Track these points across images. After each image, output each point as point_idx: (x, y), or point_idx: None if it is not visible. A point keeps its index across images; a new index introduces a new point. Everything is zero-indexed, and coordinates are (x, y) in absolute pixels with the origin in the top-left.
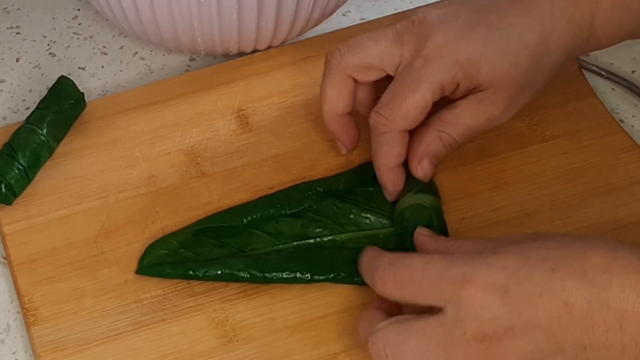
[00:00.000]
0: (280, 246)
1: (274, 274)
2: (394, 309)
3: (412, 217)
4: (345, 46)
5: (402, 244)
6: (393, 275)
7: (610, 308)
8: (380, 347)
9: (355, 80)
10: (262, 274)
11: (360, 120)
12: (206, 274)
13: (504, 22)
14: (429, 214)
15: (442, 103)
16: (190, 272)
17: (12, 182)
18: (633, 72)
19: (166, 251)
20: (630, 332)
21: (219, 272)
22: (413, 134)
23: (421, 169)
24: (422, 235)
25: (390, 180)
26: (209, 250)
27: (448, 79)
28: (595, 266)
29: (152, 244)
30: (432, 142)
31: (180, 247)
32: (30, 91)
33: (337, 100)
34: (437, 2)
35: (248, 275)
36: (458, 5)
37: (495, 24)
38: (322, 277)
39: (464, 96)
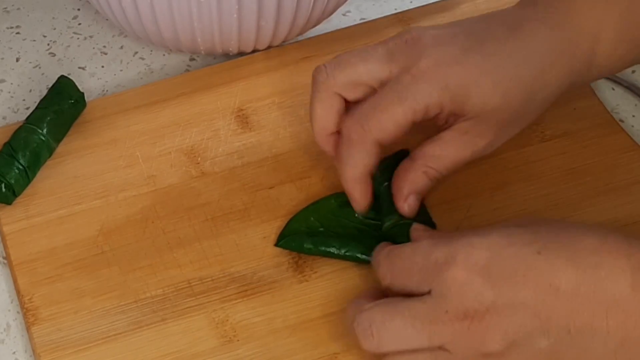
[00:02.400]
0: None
1: None
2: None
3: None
4: (332, 64)
5: None
6: (389, 266)
7: (597, 292)
8: (366, 326)
9: (343, 99)
10: None
11: None
12: (347, 253)
13: (501, 52)
14: None
15: (423, 129)
16: (332, 249)
17: (12, 182)
18: (633, 72)
19: (305, 228)
20: (617, 317)
21: (359, 255)
22: (397, 170)
23: (408, 206)
24: (416, 229)
25: (360, 191)
26: (348, 224)
27: (434, 101)
28: (584, 249)
29: (293, 217)
30: (417, 178)
31: (320, 226)
32: (30, 91)
33: (326, 119)
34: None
35: None
36: (455, 27)
37: (492, 53)
38: None
39: (446, 123)
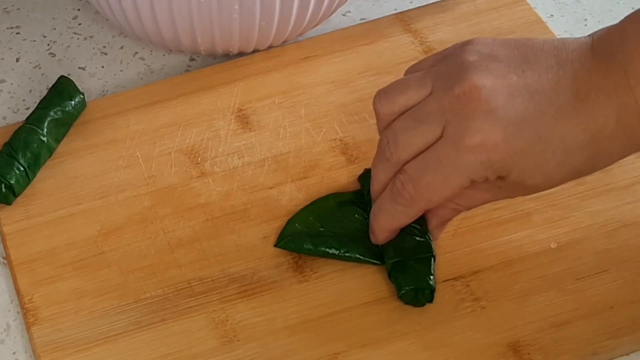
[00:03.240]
0: None
1: None
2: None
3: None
4: (392, 141)
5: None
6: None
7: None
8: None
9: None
10: None
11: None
12: (346, 253)
13: (556, 132)
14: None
15: None
16: (332, 250)
17: (12, 182)
18: None
19: (305, 228)
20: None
21: (359, 256)
22: None
23: (432, 235)
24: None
25: (384, 238)
26: (348, 224)
27: (478, 175)
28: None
29: (292, 218)
30: (447, 213)
31: (320, 226)
32: (30, 91)
33: (385, 184)
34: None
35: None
36: (519, 76)
37: (544, 132)
38: None
39: None
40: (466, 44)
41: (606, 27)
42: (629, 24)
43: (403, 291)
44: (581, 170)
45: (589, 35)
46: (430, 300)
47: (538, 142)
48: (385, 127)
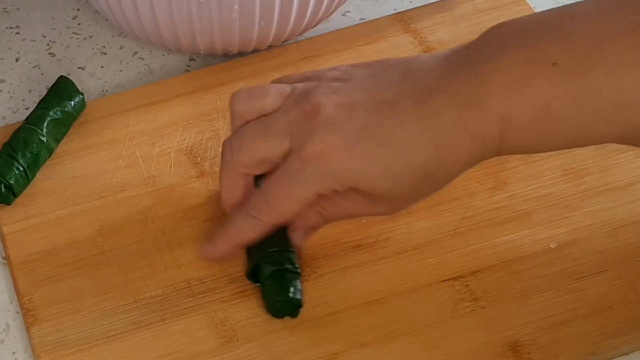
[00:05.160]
0: None
1: None
2: None
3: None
4: (236, 143)
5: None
6: None
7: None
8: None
9: (250, 175)
10: None
11: None
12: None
13: (396, 134)
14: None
15: None
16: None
17: (12, 182)
18: None
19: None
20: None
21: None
22: None
23: (295, 239)
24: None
25: (226, 252)
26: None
27: (324, 187)
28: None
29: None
30: (311, 216)
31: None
32: (30, 91)
33: (233, 192)
34: (343, 83)
35: None
36: (362, 92)
37: (385, 137)
38: None
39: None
40: (330, 69)
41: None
42: (490, 31)
43: (268, 303)
44: (428, 169)
45: (450, 49)
46: (294, 314)
47: (377, 146)
48: (239, 127)
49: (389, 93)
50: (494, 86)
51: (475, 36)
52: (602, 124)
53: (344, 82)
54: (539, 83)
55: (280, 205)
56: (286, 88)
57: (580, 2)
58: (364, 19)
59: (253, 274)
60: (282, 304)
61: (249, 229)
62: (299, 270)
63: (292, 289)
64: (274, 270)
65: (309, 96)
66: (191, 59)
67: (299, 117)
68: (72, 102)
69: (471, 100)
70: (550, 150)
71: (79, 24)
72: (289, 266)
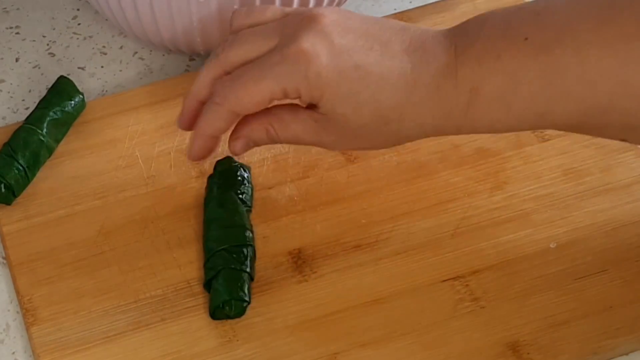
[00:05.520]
0: None
1: None
2: None
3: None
4: (229, 39)
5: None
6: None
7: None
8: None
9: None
10: None
11: None
12: None
13: (376, 68)
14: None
15: None
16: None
17: (12, 182)
18: None
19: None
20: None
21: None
22: (246, 115)
23: (234, 146)
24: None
25: (201, 145)
26: None
27: (292, 86)
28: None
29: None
30: (257, 129)
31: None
32: (30, 91)
33: (205, 87)
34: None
35: None
36: (359, 23)
37: (365, 66)
38: None
39: (308, 106)
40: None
41: None
42: (477, 15)
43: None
44: (389, 114)
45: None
46: (240, 313)
47: (355, 69)
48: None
49: (384, 34)
50: (468, 58)
51: None
52: (568, 102)
53: (347, 11)
54: (509, 56)
55: (244, 92)
56: (287, 9)
57: None
58: None
59: (208, 284)
60: (228, 303)
61: (213, 116)
62: (246, 270)
63: (239, 288)
64: (221, 270)
65: (310, 11)
66: (191, 59)
67: (294, 19)
68: (72, 102)
69: (447, 67)
70: (514, 130)
71: (79, 24)
72: (235, 265)
